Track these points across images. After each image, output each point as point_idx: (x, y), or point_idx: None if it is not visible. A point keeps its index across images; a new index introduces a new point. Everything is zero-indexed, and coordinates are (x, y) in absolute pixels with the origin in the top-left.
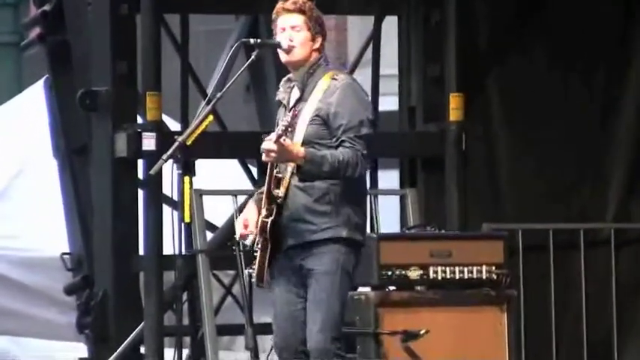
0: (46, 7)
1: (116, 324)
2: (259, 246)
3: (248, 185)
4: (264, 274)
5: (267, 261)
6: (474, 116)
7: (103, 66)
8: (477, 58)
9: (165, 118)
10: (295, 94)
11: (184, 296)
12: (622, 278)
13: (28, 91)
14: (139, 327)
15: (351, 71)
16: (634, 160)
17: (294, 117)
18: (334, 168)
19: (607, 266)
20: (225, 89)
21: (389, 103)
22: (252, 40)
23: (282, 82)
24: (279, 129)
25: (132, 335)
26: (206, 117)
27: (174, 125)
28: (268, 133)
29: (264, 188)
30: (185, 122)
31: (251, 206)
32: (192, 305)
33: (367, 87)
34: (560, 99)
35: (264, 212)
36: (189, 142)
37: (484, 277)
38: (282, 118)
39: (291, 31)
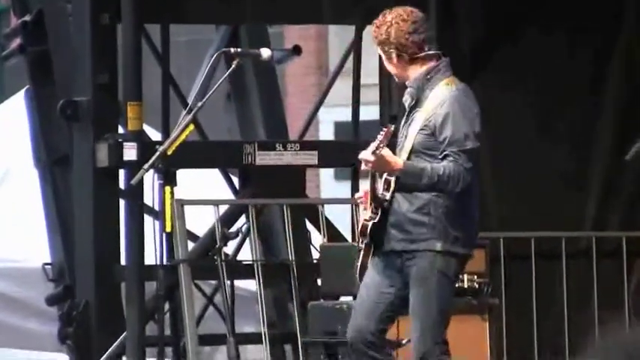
0: (27, 18)
1: (98, 334)
2: (362, 247)
3: (229, 195)
4: (364, 274)
5: (368, 263)
6: None
7: (84, 76)
8: (458, 71)
9: (146, 127)
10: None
11: (166, 306)
12: (602, 286)
13: (9, 101)
14: (121, 337)
15: (332, 80)
16: (613, 172)
17: (387, 135)
18: (433, 182)
19: (589, 274)
20: (205, 98)
21: (370, 112)
22: (232, 50)
23: (408, 84)
24: (374, 144)
25: (114, 345)
26: (187, 126)
27: (155, 135)
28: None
29: (368, 189)
30: (166, 132)
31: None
32: (174, 315)
33: (347, 96)
34: (542, 111)
35: (368, 214)
36: (170, 152)
37: (466, 285)
38: (401, 125)
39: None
